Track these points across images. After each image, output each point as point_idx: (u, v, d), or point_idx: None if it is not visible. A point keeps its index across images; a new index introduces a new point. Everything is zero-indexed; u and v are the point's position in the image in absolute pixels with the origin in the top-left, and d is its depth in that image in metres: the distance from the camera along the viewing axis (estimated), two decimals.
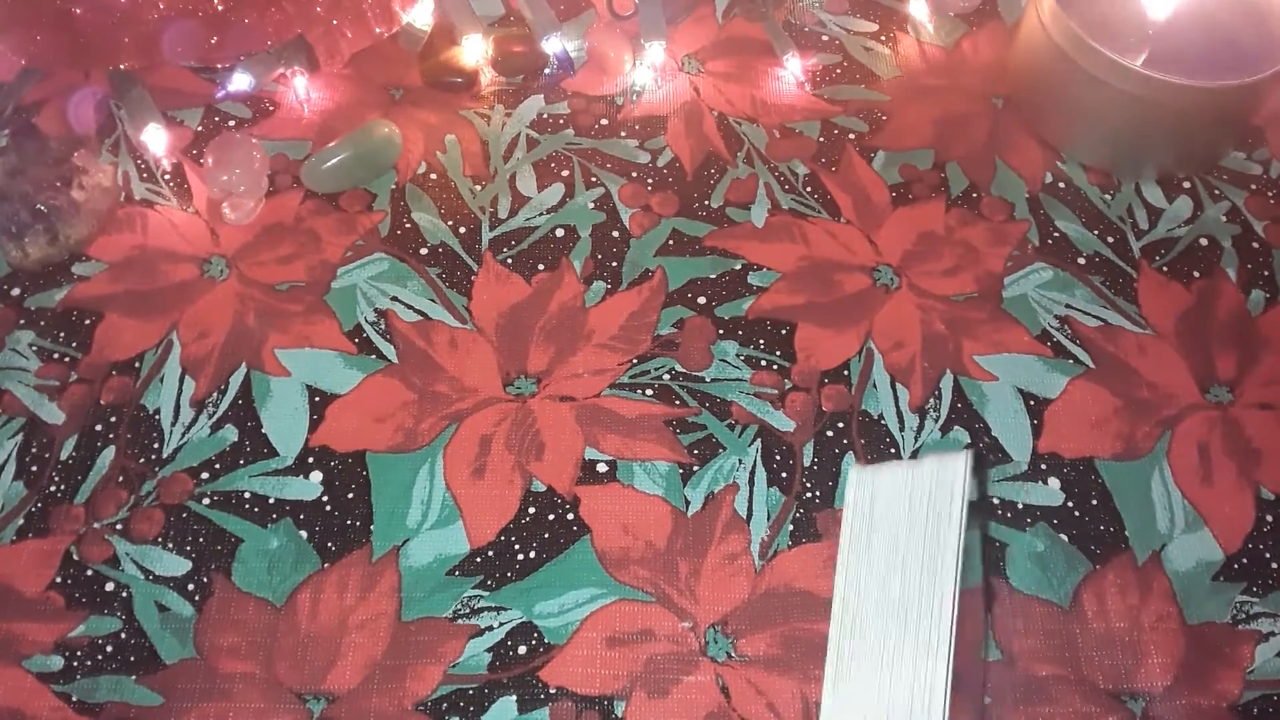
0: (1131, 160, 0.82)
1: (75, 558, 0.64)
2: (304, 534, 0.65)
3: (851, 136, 0.85)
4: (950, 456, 0.33)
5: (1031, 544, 0.65)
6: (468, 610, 0.62)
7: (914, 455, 0.69)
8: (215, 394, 0.70)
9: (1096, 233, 0.80)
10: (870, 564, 0.32)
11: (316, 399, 0.70)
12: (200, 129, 0.84)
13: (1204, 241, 0.80)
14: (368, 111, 0.85)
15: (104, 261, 0.76)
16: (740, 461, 0.68)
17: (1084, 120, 0.81)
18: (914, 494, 0.32)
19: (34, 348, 0.72)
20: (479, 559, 0.64)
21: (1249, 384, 0.72)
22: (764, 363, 0.72)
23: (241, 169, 0.78)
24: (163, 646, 0.61)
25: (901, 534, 0.32)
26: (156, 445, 0.68)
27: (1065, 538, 0.65)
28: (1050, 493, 0.67)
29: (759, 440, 0.69)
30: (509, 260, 0.77)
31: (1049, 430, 0.69)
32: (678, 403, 0.70)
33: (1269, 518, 0.66)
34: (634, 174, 0.82)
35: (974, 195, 0.82)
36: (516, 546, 0.64)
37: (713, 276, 0.76)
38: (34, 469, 0.67)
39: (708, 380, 0.71)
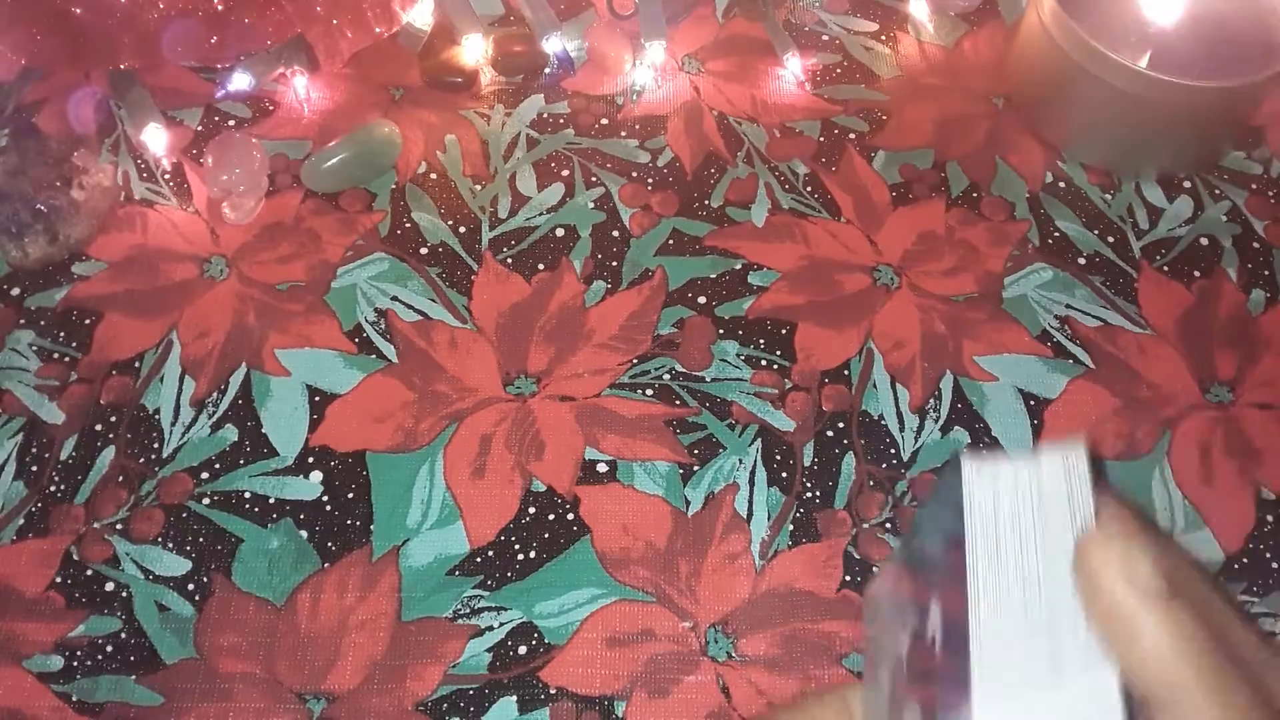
0: (1132, 160, 0.82)
1: (75, 558, 0.64)
2: (304, 534, 0.65)
3: (851, 136, 0.85)
4: (1070, 451, 0.30)
5: None
6: (468, 610, 0.62)
7: (930, 455, 0.69)
8: (215, 394, 0.70)
9: (1097, 233, 0.80)
10: (1004, 576, 0.29)
11: (316, 399, 0.70)
12: (200, 129, 0.84)
13: (1204, 241, 0.80)
14: (368, 111, 0.85)
15: (104, 261, 0.76)
16: (740, 461, 0.68)
17: (1084, 120, 0.81)
18: (1041, 496, 0.29)
19: (34, 348, 0.72)
20: (479, 559, 0.64)
21: (1249, 384, 0.72)
22: (764, 363, 0.72)
23: (241, 169, 0.78)
24: (163, 646, 0.61)
25: (1033, 541, 0.29)
26: (156, 445, 0.68)
27: None
28: None
29: (759, 440, 0.69)
30: (509, 260, 0.77)
31: (1049, 430, 0.69)
32: (678, 403, 0.70)
33: (1269, 518, 0.66)
34: (634, 174, 0.82)
35: (974, 195, 0.82)
36: (516, 546, 0.64)
37: (713, 276, 0.76)
38: (34, 469, 0.67)
39: (708, 380, 0.71)
